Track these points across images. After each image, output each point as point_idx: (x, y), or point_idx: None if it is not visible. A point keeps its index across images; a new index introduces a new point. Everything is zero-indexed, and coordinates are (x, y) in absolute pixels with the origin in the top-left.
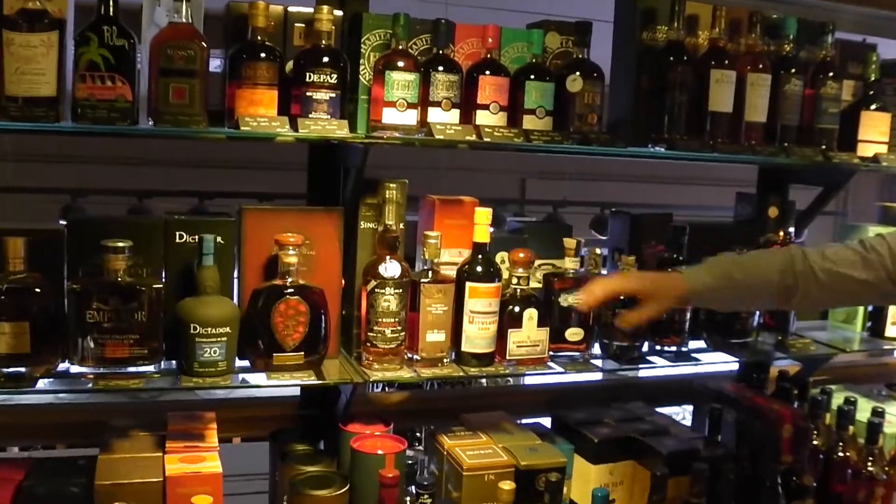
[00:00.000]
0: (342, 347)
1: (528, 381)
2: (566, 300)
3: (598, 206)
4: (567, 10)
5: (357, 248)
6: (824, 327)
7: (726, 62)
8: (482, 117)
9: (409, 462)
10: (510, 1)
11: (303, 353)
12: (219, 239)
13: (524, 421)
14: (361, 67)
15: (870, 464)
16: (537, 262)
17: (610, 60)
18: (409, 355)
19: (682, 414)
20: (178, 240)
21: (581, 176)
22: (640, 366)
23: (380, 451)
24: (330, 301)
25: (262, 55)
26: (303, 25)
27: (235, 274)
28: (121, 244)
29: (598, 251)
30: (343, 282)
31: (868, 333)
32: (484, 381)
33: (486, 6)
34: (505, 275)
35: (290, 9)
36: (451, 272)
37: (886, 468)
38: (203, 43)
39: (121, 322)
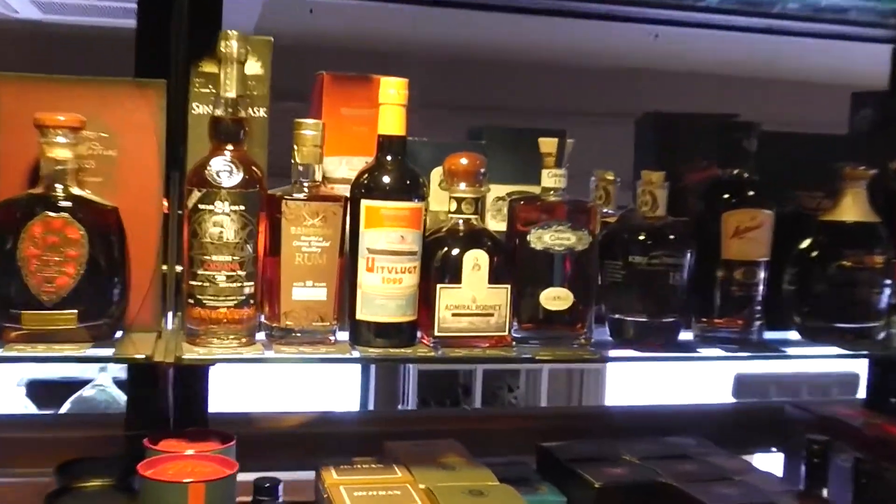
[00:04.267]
0: (174, 314)
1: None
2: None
3: None
4: None
5: (188, 147)
6: None
7: None
8: None
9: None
10: None
11: (75, 311)
12: None
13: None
14: None
15: None
16: (507, 191)
17: None
18: (268, 324)
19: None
20: None
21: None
22: (676, 353)
23: (187, 480)
24: (138, 230)
25: None
26: None
27: None
28: None
29: (610, 176)
30: (167, 202)
31: None
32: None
33: None
34: (445, 206)
35: None
36: (345, 192)
37: None
38: None
39: None
